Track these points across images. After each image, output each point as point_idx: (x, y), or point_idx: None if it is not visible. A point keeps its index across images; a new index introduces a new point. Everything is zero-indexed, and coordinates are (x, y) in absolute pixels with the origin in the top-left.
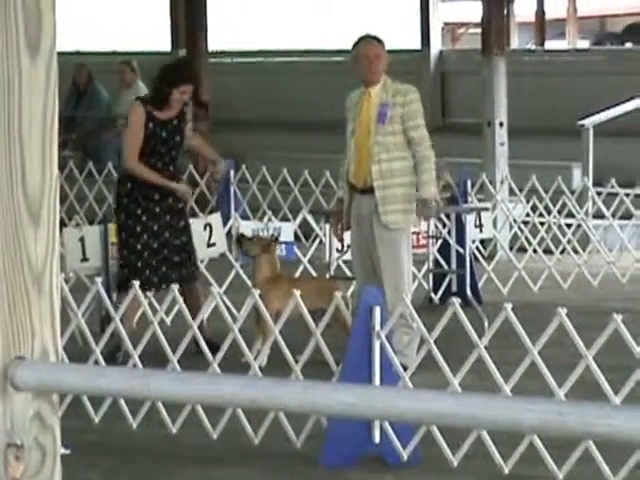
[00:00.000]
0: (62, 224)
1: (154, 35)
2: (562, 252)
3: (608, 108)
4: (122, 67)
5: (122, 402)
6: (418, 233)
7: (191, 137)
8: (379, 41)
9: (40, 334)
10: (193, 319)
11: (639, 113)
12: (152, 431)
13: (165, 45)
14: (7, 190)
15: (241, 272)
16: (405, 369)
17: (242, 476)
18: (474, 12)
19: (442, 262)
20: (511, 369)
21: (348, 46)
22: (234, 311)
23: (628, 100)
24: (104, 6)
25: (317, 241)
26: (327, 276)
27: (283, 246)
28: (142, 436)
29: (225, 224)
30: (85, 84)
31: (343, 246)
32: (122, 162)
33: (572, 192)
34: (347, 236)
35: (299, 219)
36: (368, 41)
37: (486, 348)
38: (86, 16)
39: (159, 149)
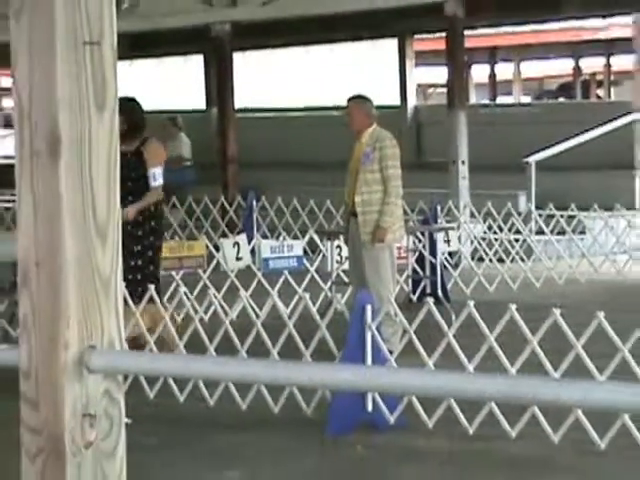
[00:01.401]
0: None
1: (192, 97)
2: (512, 261)
3: (545, 148)
4: (166, 122)
5: (171, 381)
6: (400, 248)
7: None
8: (363, 99)
9: (107, 328)
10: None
11: (570, 152)
12: (195, 404)
13: (201, 104)
14: (81, 217)
15: (262, 280)
16: (391, 353)
17: (264, 438)
18: (441, 75)
19: (419, 270)
20: (473, 353)
21: (343, 103)
22: (257, 310)
23: (561, 142)
24: (154, 73)
25: (321, 255)
26: (329, 284)
27: (295, 259)
28: (187, 408)
29: (249, 243)
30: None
31: (342, 259)
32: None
33: (519, 214)
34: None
35: (307, 238)
36: (351, 101)
37: (454, 336)
38: (141, 81)
39: None
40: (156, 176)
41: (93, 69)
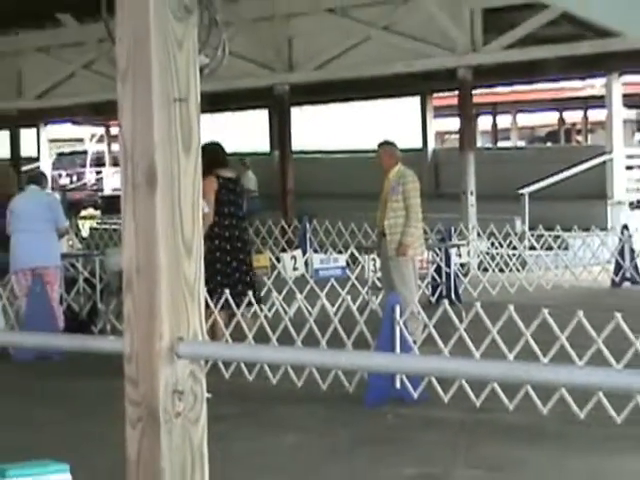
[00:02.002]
0: None
1: (259, 142)
2: (510, 271)
3: (536, 182)
4: (236, 163)
5: (242, 365)
6: (422, 260)
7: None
8: (390, 144)
9: (192, 323)
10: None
11: (555, 185)
12: (261, 382)
13: (266, 148)
14: (172, 235)
15: (314, 285)
16: (414, 343)
17: (315, 410)
18: (454, 124)
19: (437, 277)
20: (479, 343)
21: (374, 146)
22: (310, 309)
23: (548, 177)
24: (230, 124)
25: (359, 266)
26: (366, 288)
27: (339, 269)
28: (254, 386)
29: (303, 256)
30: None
31: (376, 269)
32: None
33: (515, 234)
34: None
35: (348, 252)
36: (380, 146)
37: (464, 330)
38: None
39: None
40: (203, 206)
41: (181, 120)
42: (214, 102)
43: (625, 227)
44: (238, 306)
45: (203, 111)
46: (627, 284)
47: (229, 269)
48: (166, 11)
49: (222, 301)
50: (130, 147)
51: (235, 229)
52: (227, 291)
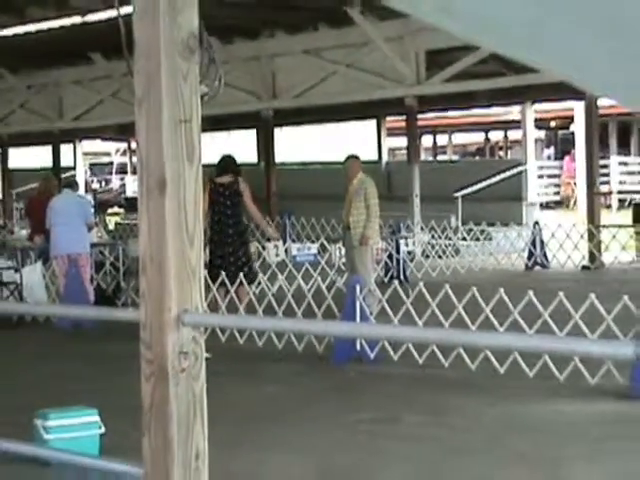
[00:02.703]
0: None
1: (249, 155)
2: (446, 257)
3: (468, 187)
4: None
5: (235, 331)
6: (378, 249)
7: None
8: (355, 157)
9: (195, 298)
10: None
11: (482, 190)
12: (250, 345)
13: (254, 159)
14: (178, 229)
15: (292, 269)
16: (371, 314)
17: (291, 367)
18: (403, 142)
19: (389, 262)
20: (422, 314)
21: (340, 159)
22: (288, 287)
23: (477, 184)
24: (226, 141)
25: (328, 253)
26: (333, 271)
27: (312, 255)
28: (245, 347)
29: (284, 245)
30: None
31: (341, 255)
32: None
33: (451, 228)
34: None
35: (320, 242)
36: (348, 159)
37: (411, 304)
38: (218, 145)
39: None
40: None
41: (186, 138)
42: (213, 123)
43: (536, 223)
44: (232, 284)
45: (204, 130)
46: (537, 268)
47: (219, 256)
48: (174, 52)
49: (219, 281)
50: (145, 159)
51: (223, 224)
52: (223, 273)
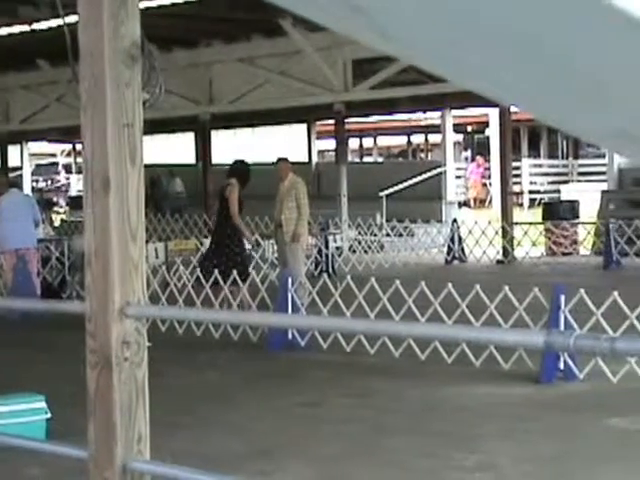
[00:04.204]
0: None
1: (187, 156)
2: (372, 252)
3: (392, 186)
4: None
5: (175, 321)
6: (308, 244)
7: None
8: (286, 159)
9: (137, 291)
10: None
11: (405, 189)
12: (188, 334)
13: (192, 160)
14: (121, 226)
15: None
16: (302, 305)
17: (229, 354)
18: (331, 145)
19: (318, 257)
20: (350, 305)
21: (272, 161)
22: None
23: (400, 184)
24: (166, 143)
25: (262, 248)
26: (266, 265)
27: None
28: (183, 337)
29: None
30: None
31: (274, 251)
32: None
33: (376, 225)
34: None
35: (254, 238)
36: (280, 160)
37: (339, 296)
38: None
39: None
40: None
41: (129, 141)
42: (154, 127)
43: (455, 220)
44: (225, 282)
45: (145, 133)
46: (456, 262)
47: (210, 255)
48: (117, 60)
49: (212, 278)
50: (90, 160)
51: (217, 226)
52: (215, 271)
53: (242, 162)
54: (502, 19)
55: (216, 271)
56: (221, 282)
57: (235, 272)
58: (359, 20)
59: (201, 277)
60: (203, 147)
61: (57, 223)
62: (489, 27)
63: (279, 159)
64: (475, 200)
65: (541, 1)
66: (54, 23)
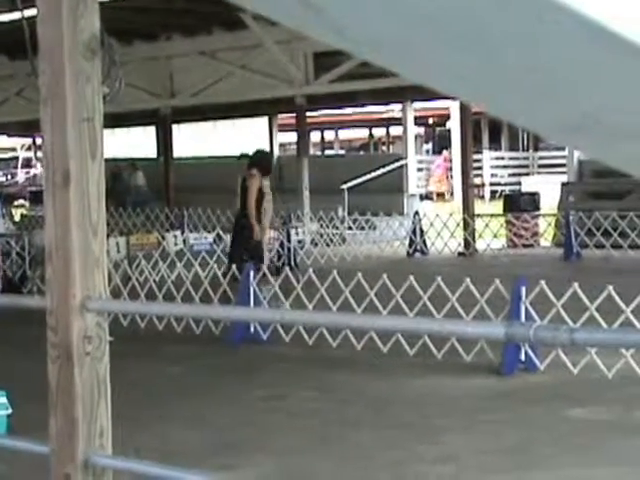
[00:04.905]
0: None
1: (149, 150)
2: (334, 245)
3: (353, 179)
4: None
5: (137, 316)
6: (270, 237)
7: None
8: (249, 155)
9: (98, 286)
10: None
11: (367, 182)
12: (151, 328)
13: (154, 154)
14: (82, 220)
15: (190, 257)
16: (264, 299)
17: (190, 347)
18: (293, 138)
19: (281, 250)
20: (311, 298)
21: (237, 154)
22: (187, 274)
23: (362, 176)
24: (127, 137)
25: (223, 242)
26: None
27: (208, 244)
28: (145, 331)
29: (182, 235)
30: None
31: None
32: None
33: (338, 218)
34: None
35: (216, 232)
36: (242, 156)
37: (301, 289)
38: (119, 142)
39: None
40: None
41: (89, 134)
42: (114, 120)
43: (416, 213)
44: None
45: (105, 127)
46: (418, 254)
47: (232, 247)
48: (77, 53)
49: (230, 273)
50: (50, 154)
51: (237, 218)
52: (234, 265)
53: (264, 152)
54: (450, 14)
55: (234, 266)
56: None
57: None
58: (311, 16)
59: (236, 272)
60: (164, 141)
61: (17, 218)
62: (440, 23)
63: (242, 155)
64: (439, 193)
65: None
66: (12, 16)
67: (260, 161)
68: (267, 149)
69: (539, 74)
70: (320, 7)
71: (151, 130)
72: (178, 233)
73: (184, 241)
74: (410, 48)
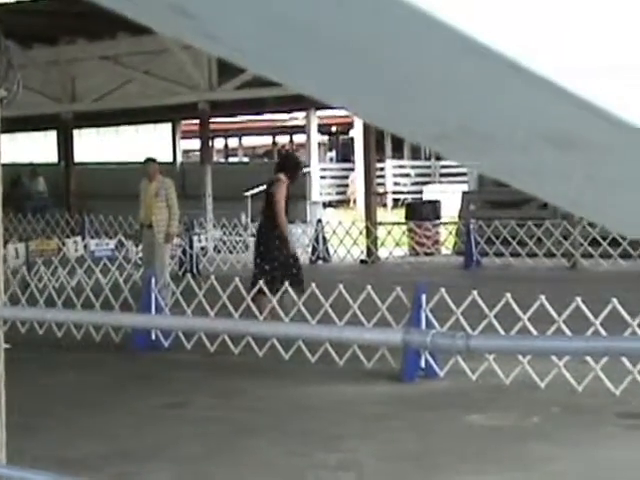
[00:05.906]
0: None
1: (50, 155)
2: (237, 252)
3: (256, 187)
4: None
5: (35, 323)
6: (174, 244)
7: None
8: (153, 160)
9: None
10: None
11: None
12: (49, 335)
13: (55, 159)
14: None
15: (91, 263)
16: (166, 305)
17: (90, 355)
18: (196, 144)
19: (182, 257)
20: (214, 304)
21: (140, 160)
22: (87, 280)
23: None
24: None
25: (125, 249)
26: (130, 265)
27: (110, 251)
28: (43, 337)
29: (83, 241)
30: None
31: (137, 251)
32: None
33: (241, 225)
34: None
35: (117, 238)
36: (146, 161)
37: (203, 295)
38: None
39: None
40: None
41: None
42: (14, 125)
43: (319, 220)
44: (275, 290)
45: (3, 132)
46: (320, 262)
47: (256, 262)
48: None
49: (256, 288)
50: None
51: (261, 226)
52: (261, 281)
53: (291, 155)
54: (315, 20)
55: (261, 282)
56: (267, 292)
57: (287, 282)
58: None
59: (263, 286)
60: (65, 146)
61: None
62: (298, 28)
63: (148, 159)
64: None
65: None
66: None
67: (287, 165)
68: (292, 154)
69: (399, 77)
70: (193, 14)
71: (52, 135)
72: (79, 239)
73: (85, 247)
74: (277, 54)
